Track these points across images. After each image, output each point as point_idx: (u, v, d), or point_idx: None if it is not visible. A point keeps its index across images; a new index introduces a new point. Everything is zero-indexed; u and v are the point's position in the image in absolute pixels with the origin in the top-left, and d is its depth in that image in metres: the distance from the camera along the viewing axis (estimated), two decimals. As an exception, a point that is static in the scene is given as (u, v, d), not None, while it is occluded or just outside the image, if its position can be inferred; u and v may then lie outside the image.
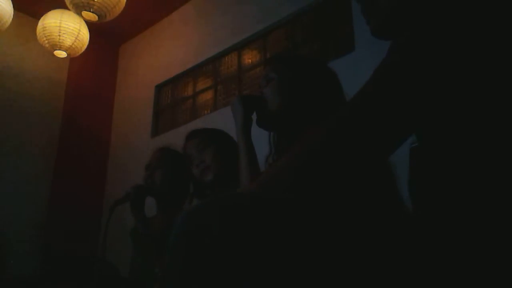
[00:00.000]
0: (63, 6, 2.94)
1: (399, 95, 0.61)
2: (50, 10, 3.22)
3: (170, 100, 4.06)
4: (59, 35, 3.12)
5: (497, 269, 0.55)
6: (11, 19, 3.13)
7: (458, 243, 0.59)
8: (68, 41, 3.17)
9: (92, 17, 2.78)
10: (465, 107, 0.60)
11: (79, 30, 3.19)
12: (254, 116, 1.14)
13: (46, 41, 3.17)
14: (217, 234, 0.60)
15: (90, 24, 3.18)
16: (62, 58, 3.38)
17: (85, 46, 3.30)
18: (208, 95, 3.71)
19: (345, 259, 0.71)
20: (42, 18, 3.20)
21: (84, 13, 2.74)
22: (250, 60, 3.44)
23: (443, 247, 0.60)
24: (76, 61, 4.08)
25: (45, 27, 3.14)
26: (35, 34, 3.22)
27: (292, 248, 0.65)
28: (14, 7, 3.13)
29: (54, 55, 3.28)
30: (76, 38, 3.18)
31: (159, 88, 4.14)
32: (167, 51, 4.09)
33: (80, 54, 3.36)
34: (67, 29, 3.15)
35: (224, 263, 0.59)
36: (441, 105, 0.60)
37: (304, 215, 0.68)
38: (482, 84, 0.59)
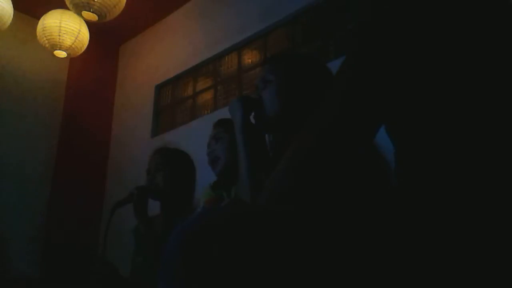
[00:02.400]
0: (63, 6, 2.94)
1: (362, 81, 0.63)
2: (50, 10, 3.22)
3: (170, 100, 4.06)
4: (59, 35, 3.13)
5: (485, 262, 0.56)
6: (11, 19, 3.13)
7: (451, 239, 0.59)
8: (68, 41, 3.17)
9: (92, 17, 2.78)
10: (433, 102, 0.62)
11: (79, 30, 3.19)
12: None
13: (46, 41, 3.17)
14: (216, 254, 0.57)
15: (90, 24, 3.19)
16: (62, 58, 3.38)
17: (85, 46, 3.30)
18: (208, 95, 3.71)
19: (344, 266, 0.71)
20: (42, 18, 3.20)
21: (84, 13, 2.74)
22: (250, 60, 3.44)
23: (435, 245, 0.61)
24: (76, 61, 4.08)
25: (45, 27, 3.15)
26: (35, 34, 3.22)
27: (293, 260, 0.65)
28: (14, 7, 3.14)
29: (54, 55, 3.28)
30: (76, 38, 3.18)
31: (159, 88, 4.14)
32: (167, 51, 4.09)
33: (80, 54, 3.36)
34: (67, 29, 3.15)
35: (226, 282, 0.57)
36: (406, 97, 0.62)
37: (302, 226, 0.69)
38: (450, 77, 0.60)
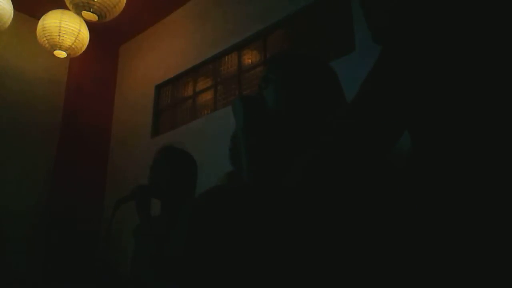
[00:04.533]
0: (63, 6, 2.95)
1: (386, 96, 0.66)
2: (50, 10, 3.22)
3: (170, 100, 4.06)
4: (59, 35, 3.13)
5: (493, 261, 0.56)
6: (11, 19, 3.13)
7: (456, 240, 0.59)
8: (68, 41, 3.17)
9: (92, 17, 2.79)
10: (452, 106, 0.62)
11: (79, 30, 3.20)
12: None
13: (46, 41, 3.17)
14: (213, 221, 0.75)
15: (90, 24, 3.19)
16: (62, 58, 3.38)
17: (85, 46, 3.30)
18: (208, 95, 3.71)
19: (341, 253, 0.72)
20: (42, 18, 3.20)
21: (84, 13, 2.74)
22: (250, 60, 3.44)
23: (439, 243, 0.61)
24: (76, 61, 4.09)
25: (45, 27, 3.15)
26: (35, 34, 3.22)
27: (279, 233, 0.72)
28: (14, 7, 3.14)
29: (54, 55, 3.28)
30: (76, 38, 3.19)
31: (159, 88, 4.14)
32: (167, 51, 4.09)
33: (80, 54, 3.37)
34: (67, 29, 3.15)
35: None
36: (428, 103, 0.63)
37: (294, 205, 0.73)
38: (466, 84, 0.61)
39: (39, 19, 3.23)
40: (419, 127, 0.68)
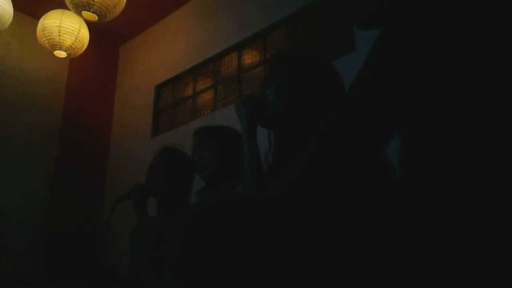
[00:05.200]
0: (63, 6, 2.95)
1: (377, 92, 0.66)
2: (50, 10, 3.22)
3: (170, 100, 4.06)
4: (59, 35, 3.13)
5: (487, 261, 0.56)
6: (11, 19, 3.13)
7: (453, 239, 0.59)
8: (68, 41, 3.17)
9: (92, 17, 2.79)
10: (444, 104, 0.62)
11: (79, 30, 3.20)
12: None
13: (46, 41, 3.17)
14: (204, 229, 0.77)
15: (90, 24, 3.19)
16: (62, 58, 3.38)
17: (85, 46, 3.30)
18: (208, 95, 3.71)
19: (339, 255, 0.73)
20: (42, 18, 3.20)
21: (84, 13, 2.74)
22: (250, 60, 3.44)
23: (436, 244, 0.61)
24: (76, 61, 4.09)
25: (45, 27, 3.15)
26: (35, 34, 3.22)
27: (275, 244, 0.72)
28: (14, 7, 3.14)
29: (54, 55, 3.28)
30: (76, 38, 3.19)
31: (159, 88, 4.14)
32: (167, 51, 4.09)
33: (80, 54, 3.37)
34: (67, 29, 3.15)
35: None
36: (419, 102, 0.63)
37: (289, 212, 0.75)
38: (458, 81, 0.61)
39: (39, 19, 3.23)
40: (411, 126, 0.68)
